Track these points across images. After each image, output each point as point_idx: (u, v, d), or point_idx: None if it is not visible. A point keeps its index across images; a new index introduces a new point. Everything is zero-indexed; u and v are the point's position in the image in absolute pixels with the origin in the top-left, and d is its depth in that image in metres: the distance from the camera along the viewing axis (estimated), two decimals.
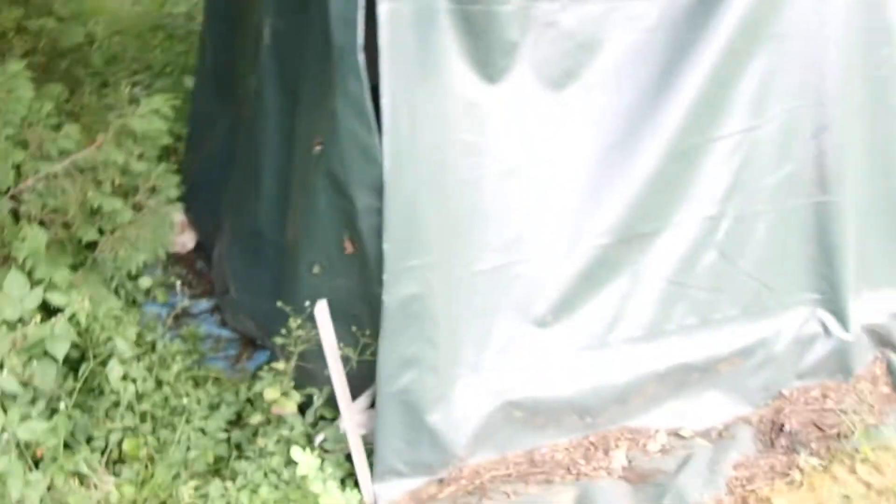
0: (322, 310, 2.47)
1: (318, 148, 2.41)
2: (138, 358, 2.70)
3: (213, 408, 2.78)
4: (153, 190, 3.41)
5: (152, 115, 3.25)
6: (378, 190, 2.27)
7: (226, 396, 2.83)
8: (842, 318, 3.06)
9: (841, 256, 3.02)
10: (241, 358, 3.23)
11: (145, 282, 3.27)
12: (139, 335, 2.95)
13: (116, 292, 3.22)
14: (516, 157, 2.66)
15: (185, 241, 4.09)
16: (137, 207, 3.35)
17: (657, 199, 2.77)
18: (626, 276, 2.79)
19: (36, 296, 2.44)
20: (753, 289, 2.95)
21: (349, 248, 2.43)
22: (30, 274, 2.71)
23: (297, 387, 2.66)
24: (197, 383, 2.86)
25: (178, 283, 3.37)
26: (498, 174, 2.62)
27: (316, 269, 2.57)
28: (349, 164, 2.31)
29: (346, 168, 2.33)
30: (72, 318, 2.48)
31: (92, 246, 3.19)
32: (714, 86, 2.76)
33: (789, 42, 2.84)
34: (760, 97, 2.85)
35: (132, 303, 3.30)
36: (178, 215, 4.09)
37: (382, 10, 2.18)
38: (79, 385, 2.54)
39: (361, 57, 2.19)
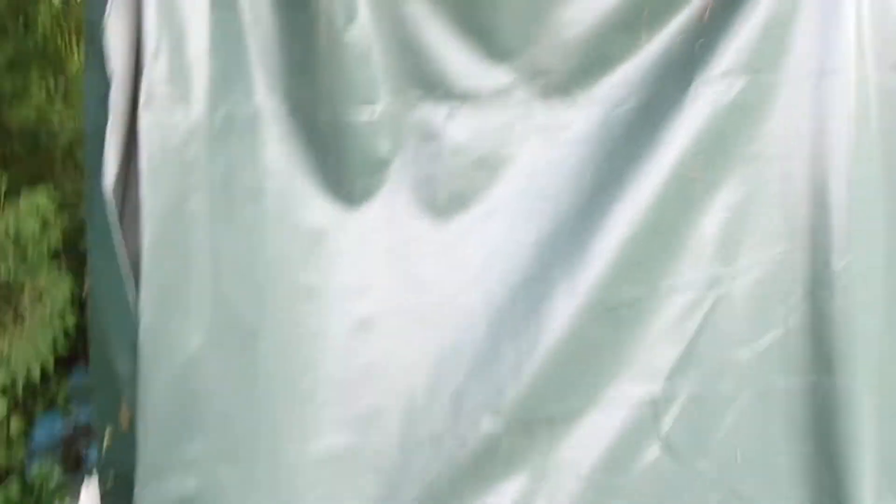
0: (90, 489, 1.89)
1: (87, 286, 1.88)
2: None
3: None
4: (40, 298, 3.02)
5: (28, 215, 2.87)
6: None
7: None
8: None
9: (850, 459, 2.16)
10: None
11: None
12: None
13: None
14: (378, 305, 2.03)
15: None
16: (18, 317, 2.96)
17: (574, 371, 2.04)
18: (526, 471, 2.06)
19: None
20: (717, 499, 2.15)
21: (125, 422, 1.85)
22: None
23: None
24: None
25: None
26: (349, 326, 1.99)
27: (107, 433, 2.00)
28: (103, 311, 1.76)
29: (101, 317, 1.78)
30: None
31: None
32: (663, 221, 2.07)
33: (773, 166, 2.10)
34: (730, 239, 2.10)
35: None
36: None
37: (144, 122, 1.63)
38: None
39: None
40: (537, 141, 2.07)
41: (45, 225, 2.94)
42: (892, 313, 2.22)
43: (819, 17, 2.08)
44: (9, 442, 2.78)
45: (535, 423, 2.04)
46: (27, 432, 3.01)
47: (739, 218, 2.10)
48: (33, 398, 3.11)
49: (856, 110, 2.11)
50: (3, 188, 2.94)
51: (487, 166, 2.06)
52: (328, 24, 1.83)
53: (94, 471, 2.00)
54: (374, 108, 1.94)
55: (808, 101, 2.09)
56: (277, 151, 1.89)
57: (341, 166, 1.96)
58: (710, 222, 2.09)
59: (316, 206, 1.95)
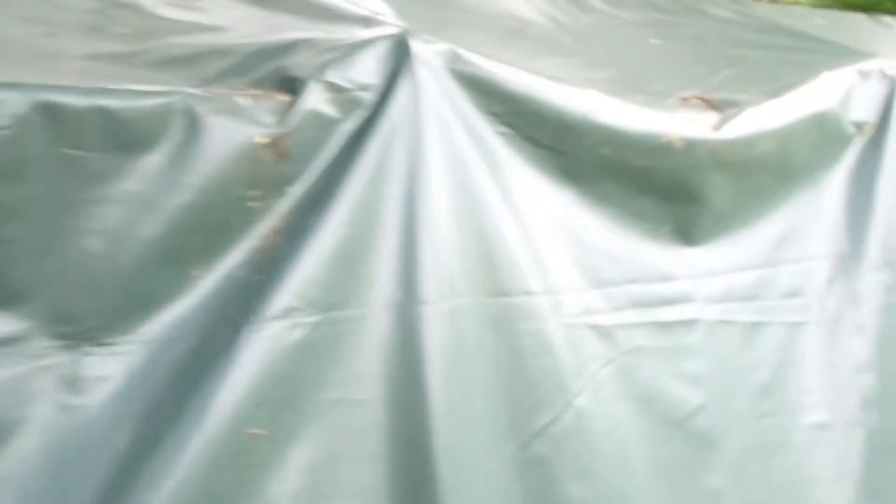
0: None
1: None
2: None
3: None
4: None
5: None
6: None
7: None
8: None
9: None
10: None
11: None
12: None
13: None
14: None
15: None
16: None
17: None
18: None
19: None
20: None
21: None
22: None
23: None
24: None
25: None
26: None
27: None
28: None
29: None
30: None
31: None
32: (218, 491, 1.66)
33: (358, 414, 1.79)
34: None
35: None
36: None
37: None
38: None
39: None
40: (61, 398, 1.69)
41: None
42: None
43: (402, 247, 1.88)
44: None
45: None
46: None
47: (319, 480, 1.76)
48: None
49: (452, 342, 1.89)
50: None
51: None
52: None
53: None
54: None
55: (394, 337, 1.85)
56: None
57: None
58: (281, 487, 1.73)
59: None
